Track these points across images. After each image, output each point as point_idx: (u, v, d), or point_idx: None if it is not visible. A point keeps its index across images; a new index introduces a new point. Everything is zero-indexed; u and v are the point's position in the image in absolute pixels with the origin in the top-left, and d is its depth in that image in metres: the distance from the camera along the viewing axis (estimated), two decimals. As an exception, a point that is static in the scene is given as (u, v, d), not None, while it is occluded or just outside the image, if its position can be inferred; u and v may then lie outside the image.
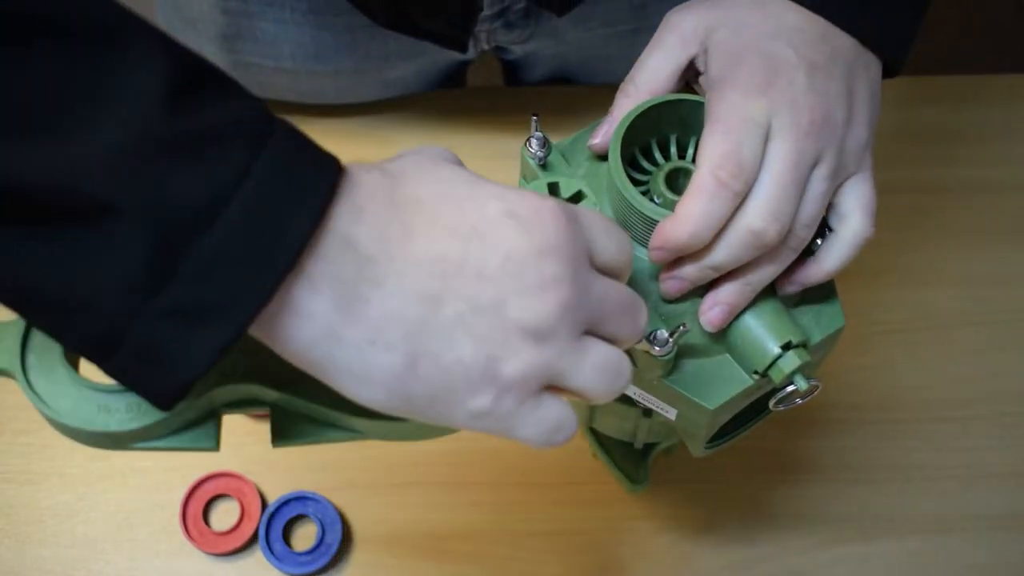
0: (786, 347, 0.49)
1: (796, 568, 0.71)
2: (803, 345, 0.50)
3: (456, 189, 0.39)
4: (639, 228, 0.49)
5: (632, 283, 0.49)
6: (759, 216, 0.47)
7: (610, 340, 0.41)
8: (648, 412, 0.57)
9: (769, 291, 0.51)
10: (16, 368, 0.44)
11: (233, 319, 0.35)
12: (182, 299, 0.34)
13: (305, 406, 0.45)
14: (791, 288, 0.52)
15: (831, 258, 0.51)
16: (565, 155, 0.54)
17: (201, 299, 0.34)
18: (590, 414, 0.62)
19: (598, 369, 0.40)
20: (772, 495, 0.73)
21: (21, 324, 0.45)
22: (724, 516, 0.72)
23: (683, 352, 0.50)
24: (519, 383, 0.38)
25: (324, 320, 0.36)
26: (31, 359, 0.45)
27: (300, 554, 0.70)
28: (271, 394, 0.45)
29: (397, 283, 0.37)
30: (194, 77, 0.36)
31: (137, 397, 0.39)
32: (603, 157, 0.52)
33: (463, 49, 0.76)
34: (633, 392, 0.53)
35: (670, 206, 0.49)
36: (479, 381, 0.38)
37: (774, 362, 0.49)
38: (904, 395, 0.76)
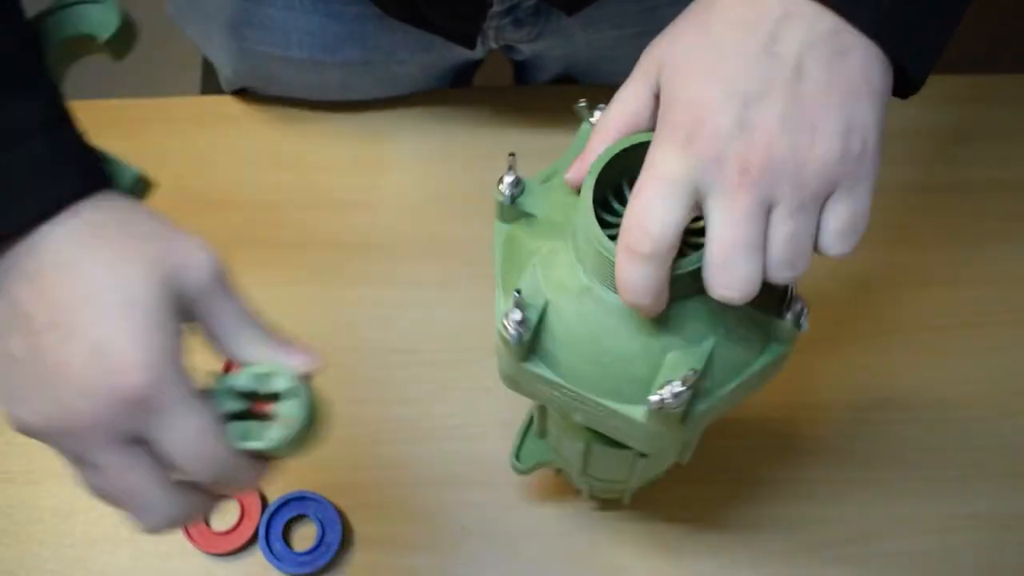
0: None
1: (796, 568, 0.71)
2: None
3: (100, 296, 0.43)
4: (609, 271, 0.46)
5: (595, 321, 0.48)
6: (713, 286, 0.44)
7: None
8: (644, 452, 0.55)
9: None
10: None
11: None
12: None
13: None
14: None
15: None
16: (547, 181, 0.52)
17: None
18: (583, 462, 0.60)
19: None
20: (772, 495, 0.73)
21: None
22: (724, 516, 0.72)
23: None
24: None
25: None
26: None
27: (300, 554, 0.70)
28: None
29: None
30: None
31: None
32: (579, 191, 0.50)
33: (471, 45, 0.76)
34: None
35: None
36: None
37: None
38: (904, 395, 0.76)
